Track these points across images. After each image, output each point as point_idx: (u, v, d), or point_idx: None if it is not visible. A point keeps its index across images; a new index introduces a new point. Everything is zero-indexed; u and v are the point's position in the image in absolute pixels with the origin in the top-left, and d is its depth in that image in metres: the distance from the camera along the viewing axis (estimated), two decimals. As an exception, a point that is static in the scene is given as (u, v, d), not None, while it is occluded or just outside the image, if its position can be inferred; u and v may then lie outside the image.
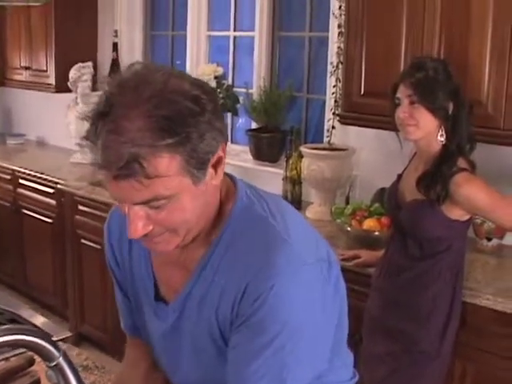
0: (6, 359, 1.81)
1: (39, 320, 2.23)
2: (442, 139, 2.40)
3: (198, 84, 1.19)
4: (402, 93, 2.41)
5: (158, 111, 1.10)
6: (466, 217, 2.43)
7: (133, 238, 1.21)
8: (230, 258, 1.28)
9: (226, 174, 1.33)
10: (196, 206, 1.21)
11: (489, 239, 3.05)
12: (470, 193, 2.34)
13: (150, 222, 1.19)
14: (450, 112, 2.38)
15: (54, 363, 1.15)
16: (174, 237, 1.24)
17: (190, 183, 1.17)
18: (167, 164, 1.12)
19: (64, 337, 2.10)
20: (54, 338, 1.99)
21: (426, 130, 2.39)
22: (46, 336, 1.14)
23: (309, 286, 1.24)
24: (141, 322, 1.51)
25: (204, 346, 1.34)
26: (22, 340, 1.11)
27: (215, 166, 1.22)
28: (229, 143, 4.54)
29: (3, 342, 1.08)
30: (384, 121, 2.68)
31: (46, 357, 1.15)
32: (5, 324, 2.12)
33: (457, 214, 2.39)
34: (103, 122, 1.11)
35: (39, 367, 1.75)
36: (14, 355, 1.82)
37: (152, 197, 1.14)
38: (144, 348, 1.59)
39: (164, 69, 1.19)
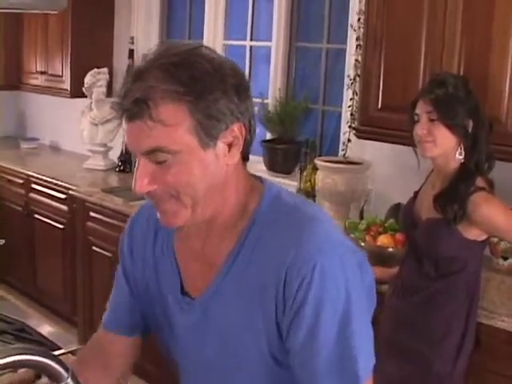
0: (14, 371, 1.79)
1: (47, 329, 2.21)
2: (461, 157, 2.37)
3: (229, 61, 1.25)
4: (421, 109, 2.38)
5: (175, 66, 1.17)
6: (483, 237, 2.39)
7: (137, 191, 1.23)
8: (261, 249, 1.27)
9: (252, 175, 1.36)
10: (203, 174, 1.21)
11: (505, 258, 3.01)
12: (489, 213, 2.30)
13: (155, 180, 1.21)
14: (470, 130, 2.35)
15: (63, 384, 1.12)
16: (181, 207, 1.24)
17: (197, 146, 1.19)
18: (173, 112, 1.16)
19: (72, 349, 2.07)
20: (63, 351, 1.98)
21: (444, 147, 2.35)
22: (53, 356, 1.12)
23: (346, 267, 1.24)
24: (162, 318, 1.46)
25: (233, 340, 1.32)
26: (30, 360, 1.08)
27: (230, 145, 1.23)
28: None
29: (11, 362, 1.06)
30: (401, 136, 2.65)
31: (54, 377, 1.12)
32: (12, 334, 2.11)
33: (474, 233, 2.35)
34: (131, 74, 1.20)
35: (47, 380, 1.72)
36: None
37: (156, 145, 1.17)
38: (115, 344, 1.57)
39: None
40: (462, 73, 2.74)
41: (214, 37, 4.65)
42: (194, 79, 1.16)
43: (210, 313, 1.34)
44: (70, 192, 4.46)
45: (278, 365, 1.30)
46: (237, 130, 1.23)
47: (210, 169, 1.22)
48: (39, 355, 1.09)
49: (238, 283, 1.29)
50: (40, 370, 1.11)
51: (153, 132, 1.16)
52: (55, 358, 1.12)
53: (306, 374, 1.25)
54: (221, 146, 1.22)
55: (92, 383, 1.46)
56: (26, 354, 1.08)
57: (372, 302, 1.35)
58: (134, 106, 1.16)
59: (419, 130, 2.37)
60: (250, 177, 1.35)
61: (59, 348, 2.02)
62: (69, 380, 1.12)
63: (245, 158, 1.31)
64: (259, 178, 1.38)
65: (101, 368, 1.56)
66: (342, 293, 1.21)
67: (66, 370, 1.12)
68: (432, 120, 2.34)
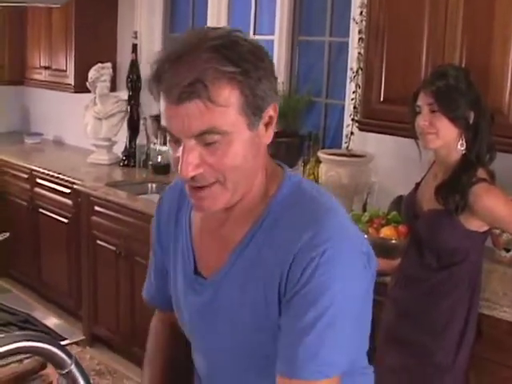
0: (20, 361, 1.80)
1: (52, 321, 2.22)
2: (462, 148, 2.38)
3: (266, 50, 1.27)
4: (423, 101, 2.38)
5: (224, 47, 1.18)
6: (485, 228, 2.40)
7: (184, 176, 1.22)
8: (275, 233, 1.29)
9: (273, 160, 1.37)
10: (247, 155, 1.23)
11: (507, 250, 3.01)
12: (490, 204, 2.31)
13: (202, 163, 1.21)
14: (471, 121, 2.36)
15: (66, 371, 1.13)
16: (223, 191, 1.24)
17: (245, 126, 1.21)
18: (228, 93, 1.17)
19: (77, 340, 2.09)
20: (67, 341, 2.00)
21: (446, 138, 2.36)
22: (57, 343, 1.13)
23: (353, 260, 1.26)
24: (175, 297, 1.50)
25: (242, 321, 1.33)
26: (34, 347, 1.09)
27: (267, 125, 1.26)
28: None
29: (15, 348, 1.07)
30: (403, 128, 2.66)
31: (58, 364, 1.13)
32: (17, 325, 2.12)
33: (475, 224, 2.36)
34: (169, 59, 1.19)
35: (51, 371, 1.74)
36: (27, 357, 1.81)
37: (210, 127, 1.17)
38: (168, 320, 1.61)
39: None
40: (464, 65, 2.74)
41: (217, 31, 4.64)
42: (243, 59, 1.18)
43: (221, 293, 1.35)
44: (75, 186, 4.48)
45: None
46: (272, 110, 1.25)
47: (253, 150, 1.24)
48: (43, 342, 1.10)
49: (249, 265, 1.31)
50: (44, 356, 1.13)
51: (207, 113, 1.17)
52: (59, 345, 1.14)
53: (287, 356, 1.25)
54: (261, 126, 1.25)
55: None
56: (30, 340, 1.10)
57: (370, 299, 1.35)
58: (189, 87, 1.15)
59: (421, 122, 2.38)
60: (272, 161, 1.37)
61: (64, 339, 2.04)
62: (72, 366, 1.13)
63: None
64: (279, 164, 1.39)
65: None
66: (344, 284, 1.22)
67: (70, 356, 1.14)
68: (433, 112, 2.35)
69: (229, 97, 1.17)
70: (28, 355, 1.80)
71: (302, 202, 1.30)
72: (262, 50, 1.24)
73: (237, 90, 1.18)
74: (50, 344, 1.10)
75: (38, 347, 1.09)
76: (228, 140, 1.20)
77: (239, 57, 1.18)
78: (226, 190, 1.25)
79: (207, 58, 1.16)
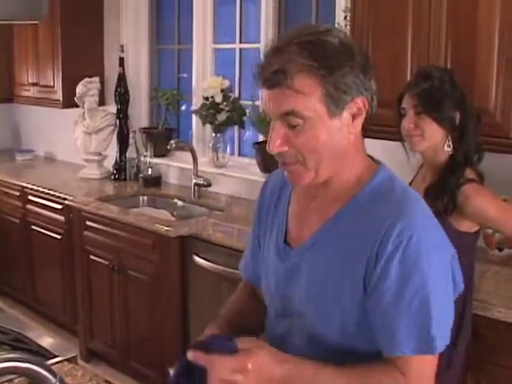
0: (10, 381, 1.79)
1: (46, 340, 2.20)
2: (449, 149, 2.37)
3: (356, 43, 1.47)
4: (408, 103, 2.38)
5: (311, 44, 1.37)
6: (475, 228, 2.39)
7: (271, 150, 1.43)
8: (365, 215, 1.44)
9: (370, 156, 1.56)
10: (328, 140, 1.41)
11: (500, 249, 3.01)
12: (480, 204, 2.31)
13: (287, 142, 1.42)
14: (457, 122, 2.35)
15: (51, 389, 1.12)
16: (304, 170, 1.44)
17: (325, 113, 1.39)
18: (308, 83, 1.37)
19: (69, 356, 2.07)
20: (58, 359, 1.98)
21: (432, 140, 2.36)
22: (42, 362, 1.12)
23: (439, 244, 1.44)
24: (265, 265, 1.67)
25: (319, 291, 1.48)
26: (17, 367, 1.08)
27: (354, 116, 1.43)
28: (235, 156, 4.58)
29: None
30: (390, 131, 2.65)
31: (43, 383, 1.12)
32: (9, 344, 2.11)
33: (465, 225, 2.35)
34: (270, 50, 1.42)
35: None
36: (18, 377, 1.80)
37: (292, 108, 1.38)
38: (251, 286, 1.81)
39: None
40: (449, 65, 2.74)
41: (203, 41, 4.65)
42: (327, 56, 1.37)
43: (303, 263, 1.52)
44: (66, 202, 4.46)
45: (356, 317, 1.44)
46: (360, 102, 1.42)
47: (334, 136, 1.42)
48: (26, 362, 1.09)
49: (335, 240, 1.47)
50: (27, 376, 1.12)
51: (289, 98, 1.37)
52: (43, 365, 1.13)
53: (385, 335, 1.41)
54: (346, 116, 1.41)
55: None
56: (14, 361, 1.09)
57: (456, 282, 1.52)
58: (273, 75, 1.37)
59: (406, 124, 2.38)
60: (368, 156, 1.55)
61: (55, 356, 2.02)
62: (57, 385, 1.13)
63: (363, 128, 1.50)
64: (376, 161, 1.57)
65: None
66: (430, 266, 1.37)
67: (54, 375, 1.13)
68: (418, 113, 2.35)
69: (309, 87, 1.37)
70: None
71: (392, 192, 1.46)
72: (351, 49, 1.41)
73: (317, 82, 1.37)
74: (33, 364, 1.09)
75: (20, 367, 1.08)
76: (309, 125, 1.39)
77: (323, 54, 1.37)
78: (307, 169, 1.44)
79: (294, 51, 1.37)
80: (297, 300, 1.54)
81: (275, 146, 1.43)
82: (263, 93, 1.43)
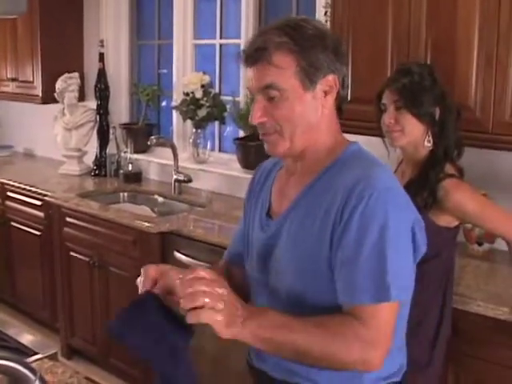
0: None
1: (26, 337, 2.19)
2: (429, 144, 2.38)
3: (331, 33, 1.66)
4: (388, 99, 2.39)
5: (288, 27, 1.57)
6: (455, 223, 2.40)
7: (253, 121, 1.60)
8: (334, 181, 1.58)
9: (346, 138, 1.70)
10: (302, 112, 1.58)
11: (480, 244, 3.03)
12: (459, 199, 2.32)
13: (266, 114, 1.58)
14: (437, 117, 2.36)
15: (30, 387, 1.11)
16: (281, 139, 1.59)
17: (299, 87, 1.56)
18: (285, 59, 1.55)
19: (49, 354, 2.06)
20: (38, 356, 1.97)
21: (412, 135, 2.37)
22: (20, 360, 1.11)
23: (399, 204, 1.53)
24: (248, 238, 1.81)
25: (296, 252, 1.60)
26: (-4, 365, 1.07)
27: (326, 92, 1.59)
28: (216, 152, 4.57)
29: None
30: (371, 127, 2.66)
31: (22, 381, 1.11)
32: (-12, 343, 2.09)
33: (445, 220, 2.36)
34: (254, 35, 1.63)
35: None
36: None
37: (270, 82, 1.55)
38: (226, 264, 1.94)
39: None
40: (429, 61, 2.75)
41: (183, 37, 4.63)
42: (302, 36, 1.55)
43: (282, 229, 1.65)
44: (46, 198, 4.42)
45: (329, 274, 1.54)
46: (332, 80, 1.59)
47: (308, 108, 1.58)
48: (5, 359, 1.08)
49: (309, 206, 1.60)
50: (6, 374, 1.11)
51: (268, 72, 1.55)
52: (22, 362, 1.12)
53: (345, 286, 1.50)
54: (318, 91, 1.58)
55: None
56: (-8, 358, 1.08)
57: (417, 245, 1.57)
58: (255, 52, 1.57)
59: (387, 120, 2.38)
60: (341, 132, 1.69)
61: (36, 353, 2.01)
62: (36, 383, 1.12)
63: (339, 109, 1.66)
64: (348, 140, 1.70)
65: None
66: (388, 220, 1.47)
67: (34, 373, 1.12)
68: (399, 109, 2.36)
69: (285, 62, 1.55)
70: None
71: (360, 159, 1.61)
72: (324, 33, 1.60)
73: (292, 58, 1.55)
74: (11, 361, 1.08)
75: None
76: (286, 96, 1.56)
77: (299, 35, 1.55)
78: (283, 138, 1.59)
79: (273, 33, 1.56)
80: (277, 265, 1.66)
81: (256, 117, 1.59)
82: (248, 72, 1.61)
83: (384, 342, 1.48)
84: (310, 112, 1.59)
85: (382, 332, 1.48)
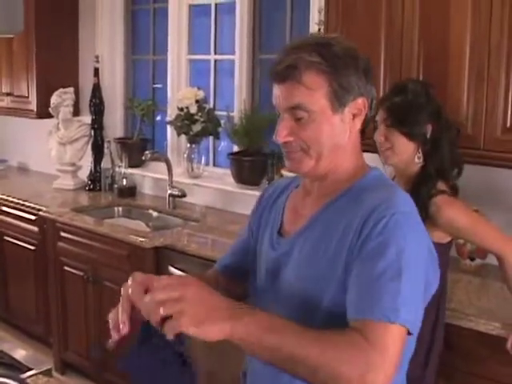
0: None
1: (19, 353, 2.18)
2: (419, 161, 2.40)
3: (362, 55, 1.58)
4: (380, 116, 2.42)
5: (320, 46, 1.52)
6: (447, 239, 2.42)
7: (278, 140, 1.56)
8: (351, 201, 1.55)
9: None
10: (330, 134, 1.54)
11: (472, 259, 3.05)
12: (451, 215, 2.33)
13: (292, 133, 1.54)
14: (429, 135, 2.38)
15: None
16: (307, 158, 1.55)
17: (329, 109, 1.52)
18: (315, 80, 1.50)
19: (44, 369, 2.06)
20: (33, 372, 1.97)
21: (403, 153, 2.40)
22: (15, 376, 1.12)
23: (419, 231, 1.50)
24: (258, 256, 1.76)
25: (305, 272, 1.56)
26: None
27: (354, 115, 1.55)
28: (210, 166, 4.58)
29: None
30: (366, 143, 2.67)
31: (17, 397, 1.12)
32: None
33: (437, 236, 2.37)
34: (282, 50, 1.57)
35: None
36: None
37: (298, 102, 1.51)
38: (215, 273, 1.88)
39: None
40: (421, 77, 2.78)
41: (178, 52, 4.66)
42: (334, 56, 1.51)
43: (294, 248, 1.61)
44: (40, 213, 4.42)
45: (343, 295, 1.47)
46: (361, 103, 1.55)
47: (336, 130, 1.54)
48: (2, 377, 1.09)
49: (323, 228, 1.56)
50: (2, 390, 1.12)
51: (297, 92, 1.51)
52: (19, 379, 1.12)
53: (354, 301, 1.42)
54: (347, 114, 1.54)
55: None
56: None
57: (432, 267, 1.58)
58: (285, 70, 1.51)
59: (378, 137, 2.41)
60: (362, 156, 1.65)
61: (30, 369, 2.01)
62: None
63: (362, 131, 1.61)
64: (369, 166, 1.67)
65: None
66: (406, 244, 1.42)
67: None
68: (388, 127, 2.38)
69: (315, 82, 1.50)
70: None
71: (382, 185, 1.58)
72: (355, 53, 1.55)
73: (324, 79, 1.50)
74: (8, 378, 1.09)
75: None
76: (313, 118, 1.51)
77: (331, 54, 1.50)
78: (309, 157, 1.55)
79: (305, 51, 1.51)
80: (286, 284, 1.61)
81: (282, 136, 1.55)
82: (274, 89, 1.56)
83: (388, 367, 1.33)
84: (338, 135, 1.55)
85: (387, 355, 1.33)
